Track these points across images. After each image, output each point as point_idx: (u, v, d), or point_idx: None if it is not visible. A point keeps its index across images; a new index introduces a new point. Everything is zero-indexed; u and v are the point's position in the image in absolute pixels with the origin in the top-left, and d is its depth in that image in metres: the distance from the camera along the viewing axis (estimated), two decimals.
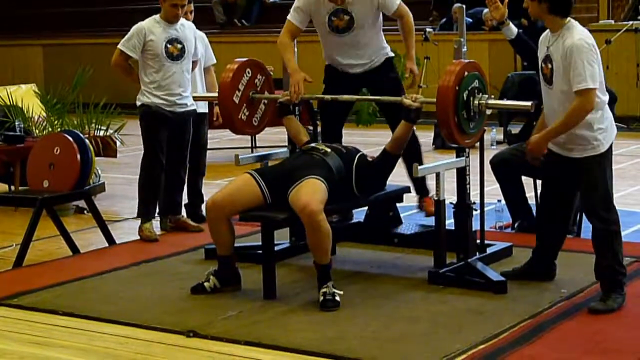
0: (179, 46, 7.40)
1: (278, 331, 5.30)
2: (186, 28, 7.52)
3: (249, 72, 6.65)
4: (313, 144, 6.31)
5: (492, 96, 5.91)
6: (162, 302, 5.91)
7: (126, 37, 7.45)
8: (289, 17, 7.04)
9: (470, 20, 14.97)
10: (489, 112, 5.92)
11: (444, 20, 16.22)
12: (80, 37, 19.75)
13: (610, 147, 5.56)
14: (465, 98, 5.68)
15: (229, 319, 5.52)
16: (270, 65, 11.71)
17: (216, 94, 6.78)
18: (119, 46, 7.47)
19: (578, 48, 5.32)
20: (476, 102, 5.75)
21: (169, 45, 7.36)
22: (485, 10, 15.36)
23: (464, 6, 6.72)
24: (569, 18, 5.48)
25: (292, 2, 7.12)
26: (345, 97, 6.57)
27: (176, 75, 7.39)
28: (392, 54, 7.36)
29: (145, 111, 7.41)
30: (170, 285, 6.26)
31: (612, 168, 5.67)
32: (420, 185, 7.73)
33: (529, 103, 5.74)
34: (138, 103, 7.46)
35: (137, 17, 22.22)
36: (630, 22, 14.50)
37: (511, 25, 6.20)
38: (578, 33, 5.39)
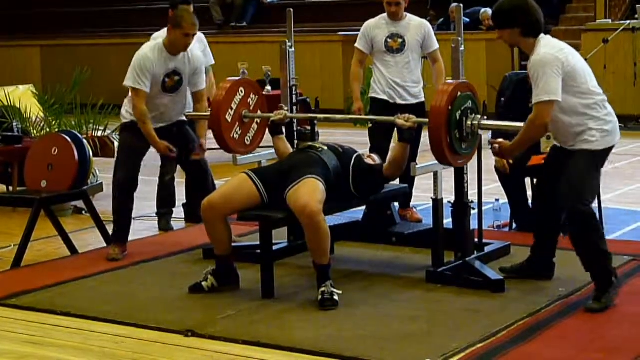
0: (177, 78, 6.96)
1: (276, 330, 5.31)
2: (192, 55, 7.02)
3: (242, 91, 6.64)
4: (310, 143, 6.31)
5: (485, 117, 5.90)
6: (160, 302, 5.91)
7: (135, 72, 6.82)
8: (356, 44, 7.99)
9: (468, 19, 15.00)
10: (482, 132, 5.92)
11: (441, 20, 16.24)
12: (78, 37, 19.78)
13: (606, 152, 5.51)
14: (458, 118, 5.65)
15: (227, 318, 5.53)
16: (268, 66, 11.81)
17: (208, 113, 6.75)
18: (133, 85, 6.81)
19: (537, 62, 5.34)
20: (469, 122, 5.73)
21: (166, 79, 6.92)
22: (483, 9, 15.50)
23: (461, 6, 6.74)
24: (541, 35, 5.48)
25: (290, 1, 7.17)
26: (339, 116, 6.90)
27: (166, 107, 7.03)
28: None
29: (125, 125, 7.12)
30: (169, 284, 6.27)
31: (600, 172, 5.59)
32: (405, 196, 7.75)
33: (522, 124, 5.67)
34: (122, 121, 7.16)
35: (134, 17, 22.14)
36: (628, 22, 14.51)
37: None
38: (542, 47, 5.40)
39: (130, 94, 7.00)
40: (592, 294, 5.57)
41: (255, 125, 6.79)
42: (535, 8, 5.52)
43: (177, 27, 6.82)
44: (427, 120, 5.76)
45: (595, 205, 7.29)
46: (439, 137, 5.60)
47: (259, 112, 6.74)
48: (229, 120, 6.57)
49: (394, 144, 6.12)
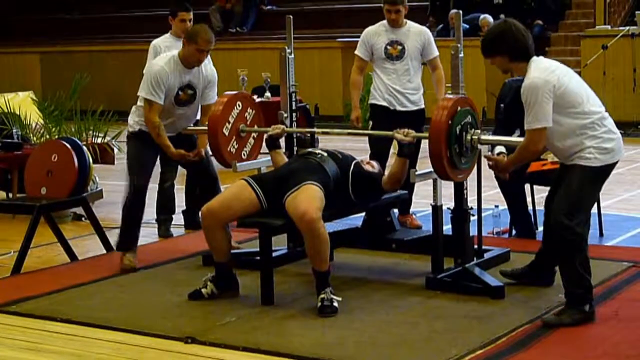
0: (190, 92, 6.87)
1: (276, 337, 5.31)
2: (206, 70, 6.97)
3: (239, 105, 6.64)
4: (309, 149, 6.30)
5: (485, 132, 5.91)
6: (159, 309, 5.91)
7: (151, 84, 6.72)
8: (355, 52, 8.02)
9: (467, 26, 15.01)
10: (480, 147, 5.93)
11: (441, 26, 16.26)
12: (77, 44, 19.80)
13: (607, 169, 5.42)
14: (457, 133, 5.66)
15: (227, 325, 5.52)
16: (267, 72, 11.82)
17: (206, 127, 6.71)
18: (146, 96, 6.72)
19: (528, 87, 5.30)
20: (469, 137, 5.74)
21: (180, 92, 6.82)
22: (482, 16, 15.52)
23: (460, 12, 6.74)
24: (533, 58, 5.43)
25: (289, 8, 7.17)
26: (336, 130, 6.89)
27: (178, 120, 6.97)
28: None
29: (132, 134, 7.01)
30: (168, 291, 6.27)
31: (599, 189, 5.56)
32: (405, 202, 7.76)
33: (520, 139, 5.66)
34: (129, 130, 7.08)
35: (133, 24, 22.11)
36: (627, 28, 14.55)
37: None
38: (533, 71, 5.34)
39: (138, 103, 6.95)
40: (595, 300, 5.54)
41: (252, 140, 6.79)
42: (522, 33, 5.45)
43: (192, 41, 6.72)
44: (426, 134, 5.76)
45: (595, 211, 7.32)
46: (439, 152, 5.61)
47: (256, 127, 6.74)
48: (226, 134, 6.57)
49: (393, 150, 6.11)
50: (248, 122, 6.72)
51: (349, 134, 7.32)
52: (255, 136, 6.81)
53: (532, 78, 5.31)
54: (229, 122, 6.58)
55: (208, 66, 7.04)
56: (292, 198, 5.74)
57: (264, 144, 6.73)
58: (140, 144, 6.96)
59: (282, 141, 6.82)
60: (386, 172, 6.33)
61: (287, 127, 6.85)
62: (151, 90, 6.71)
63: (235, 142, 6.65)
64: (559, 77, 5.32)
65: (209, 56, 7.47)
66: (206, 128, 6.70)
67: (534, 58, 5.44)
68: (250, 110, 6.73)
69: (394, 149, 6.09)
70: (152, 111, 6.75)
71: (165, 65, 6.77)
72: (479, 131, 5.80)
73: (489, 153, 6.31)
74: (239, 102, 6.66)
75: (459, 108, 5.69)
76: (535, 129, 5.30)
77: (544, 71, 5.33)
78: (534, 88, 5.27)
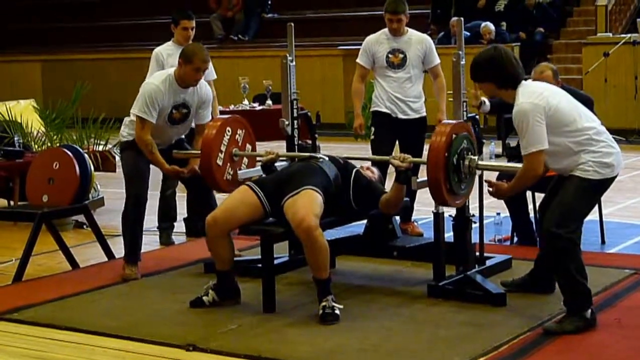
0: (184, 111, 6.83)
1: (278, 344, 5.30)
2: (201, 89, 6.91)
3: (228, 131, 6.55)
4: (311, 153, 6.29)
5: (481, 156, 5.90)
6: (161, 316, 5.90)
7: (145, 102, 6.67)
8: (357, 60, 8.02)
9: (469, 33, 15.02)
10: (478, 172, 5.93)
11: (442, 33, 16.27)
12: (79, 52, 19.81)
13: (604, 183, 5.41)
14: (455, 162, 5.65)
15: (228, 333, 5.52)
16: (269, 80, 11.83)
17: (199, 152, 6.62)
18: (139, 114, 6.67)
19: (518, 114, 5.29)
20: (466, 163, 5.74)
21: (174, 111, 6.78)
22: (483, 24, 15.53)
23: (462, 19, 6.75)
24: (521, 83, 5.42)
25: (290, 16, 7.15)
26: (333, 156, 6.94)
27: (169, 136, 6.94)
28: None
29: (127, 143, 6.94)
30: (170, 299, 6.26)
31: (596, 201, 5.54)
32: (406, 210, 7.75)
33: (520, 165, 5.66)
34: (122, 141, 7.04)
35: (136, 32, 22.10)
36: (628, 35, 14.56)
37: (485, 102, 6.89)
38: (521, 96, 5.33)
39: (131, 117, 6.89)
40: (596, 308, 5.53)
41: (246, 160, 6.73)
42: (510, 60, 5.43)
43: (188, 62, 6.65)
44: (423, 160, 5.77)
45: (596, 218, 7.32)
46: (438, 182, 5.61)
47: (248, 146, 6.68)
48: (220, 164, 6.50)
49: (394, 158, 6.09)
50: (240, 144, 6.64)
51: (345, 158, 7.22)
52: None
53: (521, 104, 5.30)
54: (221, 152, 6.49)
55: (203, 86, 6.97)
56: (292, 203, 5.73)
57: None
58: (136, 153, 6.88)
59: (283, 149, 6.83)
60: (387, 186, 6.32)
61: (289, 134, 6.84)
62: (144, 109, 6.66)
63: (230, 169, 6.56)
64: (547, 99, 5.31)
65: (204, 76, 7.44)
66: (198, 152, 6.63)
67: (522, 83, 5.42)
68: (241, 132, 6.65)
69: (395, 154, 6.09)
70: (144, 129, 6.70)
71: (160, 84, 6.72)
72: (475, 157, 5.79)
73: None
74: (228, 128, 6.56)
75: (453, 135, 5.68)
76: (532, 152, 5.29)
77: (532, 95, 5.32)
78: (523, 113, 5.27)
